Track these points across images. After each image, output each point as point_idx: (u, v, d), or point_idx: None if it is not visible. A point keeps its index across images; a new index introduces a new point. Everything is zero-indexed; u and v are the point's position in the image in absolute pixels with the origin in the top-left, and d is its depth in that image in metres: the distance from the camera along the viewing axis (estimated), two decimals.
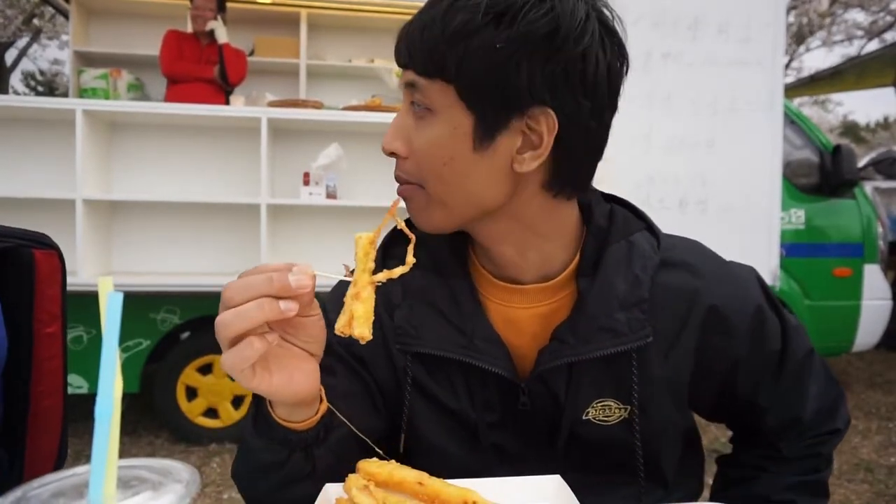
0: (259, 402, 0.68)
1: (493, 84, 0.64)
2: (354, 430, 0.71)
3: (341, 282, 0.63)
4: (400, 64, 0.70)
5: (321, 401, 0.68)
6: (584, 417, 0.76)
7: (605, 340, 0.73)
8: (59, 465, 0.96)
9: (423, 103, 0.68)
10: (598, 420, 0.76)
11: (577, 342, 0.73)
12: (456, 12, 0.63)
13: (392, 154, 0.72)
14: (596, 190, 0.81)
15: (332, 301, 0.79)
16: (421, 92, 0.67)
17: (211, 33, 4.11)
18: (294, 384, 0.62)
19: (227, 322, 0.55)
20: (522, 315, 0.77)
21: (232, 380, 3.32)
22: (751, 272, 0.83)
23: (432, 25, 0.65)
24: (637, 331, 0.73)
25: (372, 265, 0.60)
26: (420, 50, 0.66)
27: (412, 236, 0.63)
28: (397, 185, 0.74)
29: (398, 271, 0.61)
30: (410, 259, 0.61)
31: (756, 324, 0.79)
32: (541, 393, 0.76)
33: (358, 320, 0.58)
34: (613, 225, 0.78)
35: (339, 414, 0.70)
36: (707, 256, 0.81)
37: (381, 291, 0.77)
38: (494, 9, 0.62)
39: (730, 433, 0.94)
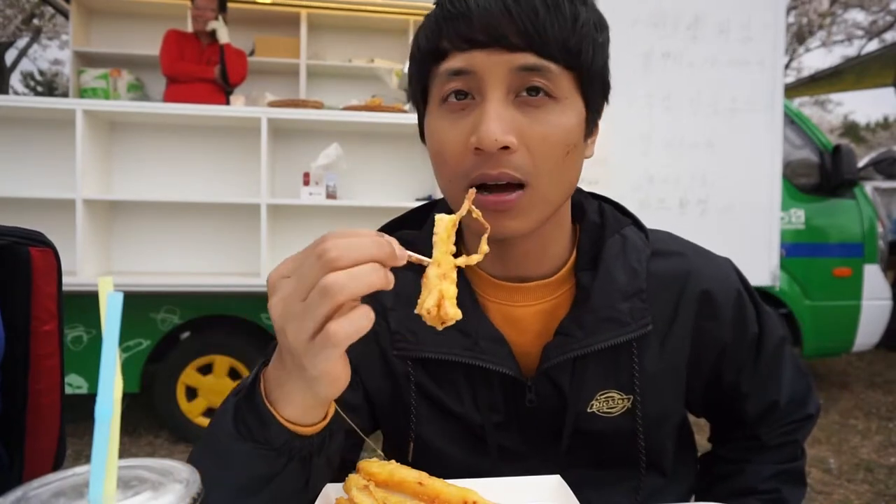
0: (250, 399, 0.59)
1: (602, 75, 0.70)
2: (360, 432, 0.67)
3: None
4: (499, 41, 0.63)
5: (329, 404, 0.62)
6: (588, 410, 0.77)
7: (609, 331, 0.74)
8: (58, 463, 0.96)
9: (547, 89, 0.65)
10: (603, 412, 0.77)
11: (584, 334, 0.74)
12: (574, 6, 0.65)
13: (503, 148, 0.64)
14: (581, 189, 0.82)
15: None
16: (547, 77, 0.65)
17: (212, 33, 4.11)
18: (347, 372, 0.55)
19: (341, 284, 0.48)
20: (524, 313, 0.77)
21: (232, 381, 3.28)
22: (729, 261, 0.86)
23: (559, 13, 0.64)
24: (638, 319, 0.75)
25: (453, 248, 0.57)
26: (554, 35, 0.63)
27: (487, 226, 0.61)
28: (475, 190, 0.65)
29: (475, 258, 0.59)
30: (484, 248, 0.59)
31: (737, 310, 0.81)
32: (547, 389, 0.76)
33: (451, 300, 0.54)
34: (605, 220, 0.80)
35: (343, 414, 0.63)
36: (690, 245, 0.84)
37: (372, 296, 0.72)
38: (588, 6, 0.68)
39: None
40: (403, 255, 0.53)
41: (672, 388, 0.80)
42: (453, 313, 0.54)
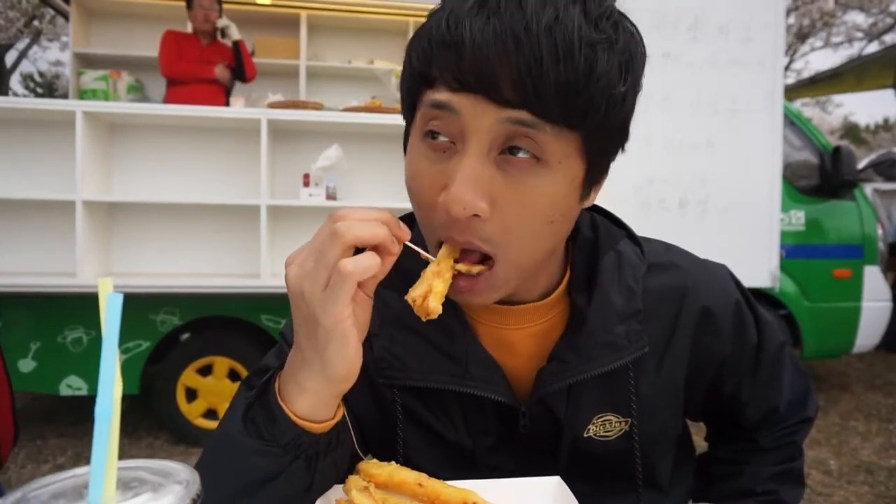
0: (263, 397, 0.60)
1: (617, 131, 0.61)
2: (356, 446, 0.66)
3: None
4: (489, 91, 0.54)
5: (338, 406, 0.62)
6: (585, 435, 0.75)
7: (606, 356, 0.71)
8: (16, 433, 0.97)
9: (534, 151, 0.56)
10: (600, 436, 0.75)
11: (580, 361, 0.71)
12: (594, 51, 0.54)
13: (471, 216, 0.57)
14: None
15: None
16: (538, 138, 0.55)
17: (213, 33, 4.12)
18: (358, 353, 0.57)
19: (349, 226, 0.53)
20: (516, 336, 0.74)
21: (233, 381, 3.28)
22: (726, 269, 0.84)
23: (569, 64, 0.53)
24: (635, 342, 0.72)
25: (457, 254, 0.61)
26: (558, 91, 0.53)
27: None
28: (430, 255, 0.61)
29: (477, 268, 0.61)
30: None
31: (736, 320, 0.80)
32: (541, 414, 0.74)
33: (436, 295, 0.58)
34: (599, 236, 0.76)
35: (348, 419, 0.64)
36: (685, 255, 0.82)
37: None
38: (618, 45, 0.56)
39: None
40: (407, 232, 0.57)
41: (670, 406, 0.78)
42: (434, 307, 0.58)
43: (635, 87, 0.60)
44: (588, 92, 0.54)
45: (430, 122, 0.59)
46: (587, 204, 0.66)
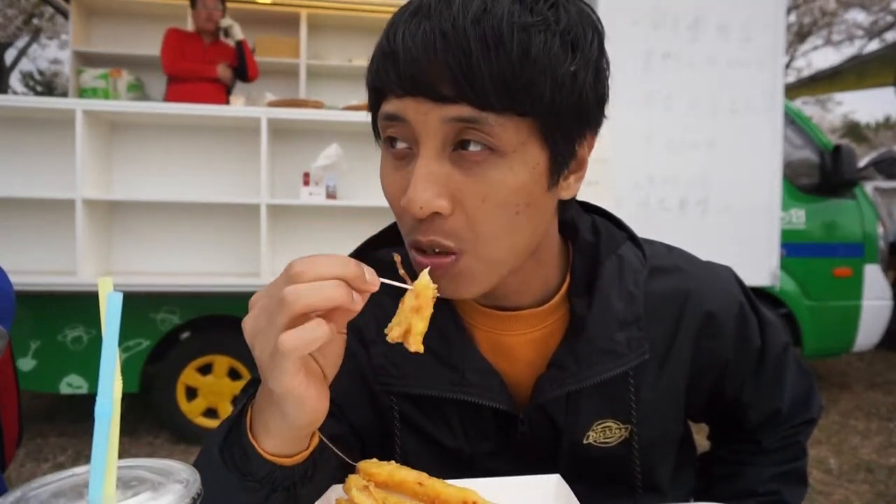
0: (236, 430, 0.59)
1: (573, 113, 0.58)
2: (347, 460, 0.64)
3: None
4: (426, 91, 0.55)
5: (312, 436, 0.61)
6: (584, 442, 0.74)
7: (606, 363, 0.70)
8: (20, 437, 0.98)
9: (486, 143, 0.56)
10: (599, 443, 0.75)
11: (579, 368, 0.70)
12: (528, 34, 0.54)
13: (433, 214, 0.57)
14: (575, 201, 0.75)
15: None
16: (485, 130, 0.55)
17: (216, 33, 4.12)
18: (320, 401, 0.54)
19: (299, 294, 0.48)
20: (515, 342, 0.73)
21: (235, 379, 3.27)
22: (730, 271, 0.83)
23: (500, 50, 0.53)
24: (635, 349, 0.71)
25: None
26: (492, 79, 0.53)
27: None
28: (415, 254, 0.60)
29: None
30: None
31: (739, 323, 0.79)
32: (540, 421, 0.73)
33: (416, 336, 0.54)
34: (600, 240, 0.74)
35: (330, 445, 0.62)
36: (688, 258, 0.81)
37: (352, 326, 0.63)
38: (559, 26, 0.56)
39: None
40: (375, 282, 0.52)
41: (671, 410, 0.78)
42: (415, 349, 0.55)
43: (590, 66, 0.58)
44: (525, 76, 0.54)
45: (387, 131, 0.60)
46: (565, 194, 0.65)
